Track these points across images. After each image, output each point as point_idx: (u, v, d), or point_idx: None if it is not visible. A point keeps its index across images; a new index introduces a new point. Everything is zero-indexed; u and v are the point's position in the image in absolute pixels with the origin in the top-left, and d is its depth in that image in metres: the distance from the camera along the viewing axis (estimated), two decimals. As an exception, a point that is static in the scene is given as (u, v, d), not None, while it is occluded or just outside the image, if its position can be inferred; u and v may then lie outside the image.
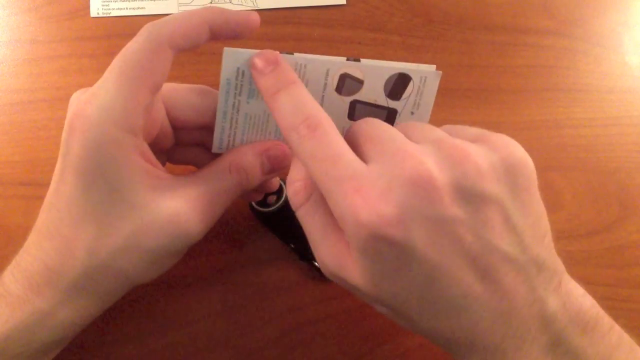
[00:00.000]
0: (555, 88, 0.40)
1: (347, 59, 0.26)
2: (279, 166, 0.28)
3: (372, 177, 0.20)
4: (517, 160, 0.21)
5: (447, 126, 0.24)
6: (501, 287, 0.21)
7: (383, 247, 0.20)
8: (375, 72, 0.26)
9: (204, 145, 0.30)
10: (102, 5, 0.42)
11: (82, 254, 0.24)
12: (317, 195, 0.24)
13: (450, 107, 0.39)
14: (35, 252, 0.24)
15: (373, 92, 0.27)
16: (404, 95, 0.27)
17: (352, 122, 0.27)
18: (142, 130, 0.24)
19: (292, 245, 0.33)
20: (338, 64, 0.26)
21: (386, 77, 0.27)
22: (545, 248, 0.22)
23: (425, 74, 0.26)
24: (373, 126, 0.23)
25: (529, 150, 0.38)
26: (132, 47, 0.24)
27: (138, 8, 0.42)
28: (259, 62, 0.24)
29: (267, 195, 0.34)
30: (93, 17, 0.41)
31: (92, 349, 0.32)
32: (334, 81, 0.27)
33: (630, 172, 0.38)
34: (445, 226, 0.20)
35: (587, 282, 0.35)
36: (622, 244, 0.36)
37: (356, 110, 0.27)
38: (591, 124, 0.39)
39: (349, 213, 0.20)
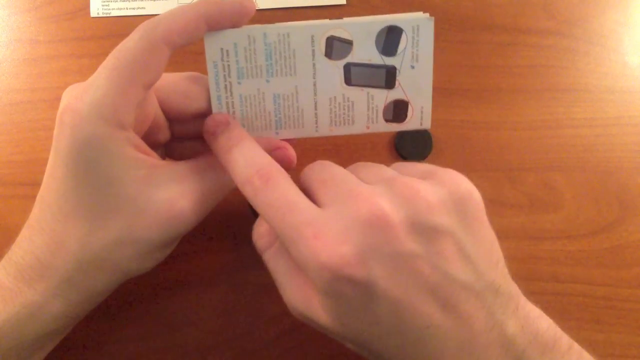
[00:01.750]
0: (555, 88, 0.40)
1: (330, 20, 0.26)
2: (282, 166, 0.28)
3: (329, 221, 0.21)
4: (463, 193, 0.22)
5: (396, 164, 0.25)
6: (461, 314, 0.21)
7: (346, 288, 0.20)
8: (361, 29, 0.25)
9: (203, 137, 0.30)
10: (102, 5, 0.42)
11: (75, 247, 0.24)
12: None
13: (450, 107, 0.39)
14: (26, 246, 0.25)
15: (365, 51, 0.26)
16: (399, 50, 0.26)
17: (350, 87, 0.27)
18: (132, 125, 0.24)
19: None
20: (321, 26, 0.25)
21: (375, 32, 0.25)
22: (499, 273, 0.23)
23: (416, 23, 0.25)
24: (324, 170, 0.24)
25: (529, 150, 0.38)
26: (127, 44, 0.24)
27: (138, 8, 0.42)
28: (210, 124, 0.26)
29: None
30: (93, 17, 0.41)
31: (92, 349, 0.32)
32: (321, 46, 0.26)
33: (630, 172, 0.38)
34: (403, 261, 0.21)
35: (587, 282, 0.35)
36: (622, 244, 0.36)
37: (352, 74, 0.26)
38: (591, 124, 0.39)
39: (309, 258, 0.20)
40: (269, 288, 0.33)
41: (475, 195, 0.23)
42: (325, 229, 0.21)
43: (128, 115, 0.24)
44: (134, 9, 0.42)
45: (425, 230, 0.21)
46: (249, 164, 0.23)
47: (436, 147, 0.38)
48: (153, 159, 0.25)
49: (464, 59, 0.41)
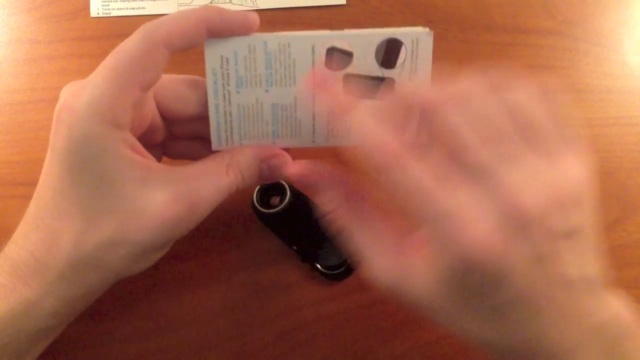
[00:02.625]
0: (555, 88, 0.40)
1: (331, 31, 0.26)
2: (278, 176, 0.28)
3: (471, 208, 0.21)
4: (584, 188, 0.23)
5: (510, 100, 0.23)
6: (569, 305, 0.22)
7: (478, 273, 0.20)
8: (362, 40, 0.25)
9: (201, 137, 0.30)
10: (102, 5, 0.42)
11: (69, 245, 0.24)
12: (362, 211, 0.25)
13: (450, 107, 0.39)
14: (22, 243, 0.25)
15: (365, 63, 0.26)
16: (399, 62, 0.26)
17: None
18: (129, 125, 0.24)
19: (295, 247, 0.33)
20: (322, 37, 0.25)
21: (375, 45, 0.26)
22: (598, 264, 0.23)
23: (416, 36, 0.25)
24: (458, 147, 0.22)
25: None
26: (127, 45, 0.24)
27: (138, 8, 0.42)
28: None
29: (270, 196, 0.34)
30: (93, 17, 0.41)
31: (92, 349, 0.32)
32: (321, 57, 0.26)
33: (630, 172, 0.38)
34: (534, 255, 0.21)
35: (587, 282, 0.35)
36: (622, 244, 0.36)
37: (351, 85, 0.27)
38: (591, 124, 0.39)
39: (452, 241, 0.20)
40: (269, 288, 0.33)
41: (591, 189, 0.23)
42: (468, 215, 0.20)
43: (125, 115, 0.24)
44: (134, 9, 0.42)
45: (558, 230, 0.21)
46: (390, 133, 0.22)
47: (436, 147, 0.38)
48: (149, 160, 0.25)
49: (464, 59, 0.41)
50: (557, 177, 0.22)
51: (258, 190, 0.34)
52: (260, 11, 0.42)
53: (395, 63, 0.26)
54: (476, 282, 0.21)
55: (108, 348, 0.32)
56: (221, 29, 0.25)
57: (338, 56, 0.26)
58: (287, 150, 0.29)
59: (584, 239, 0.22)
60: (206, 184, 0.26)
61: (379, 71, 0.26)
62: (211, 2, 0.42)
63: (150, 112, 0.27)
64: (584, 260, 0.22)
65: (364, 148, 0.22)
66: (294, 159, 0.28)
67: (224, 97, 0.27)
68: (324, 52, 0.26)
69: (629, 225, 0.36)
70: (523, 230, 0.20)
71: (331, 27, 0.42)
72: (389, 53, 0.26)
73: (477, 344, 0.24)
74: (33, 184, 0.25)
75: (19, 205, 0.26)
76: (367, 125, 0.22)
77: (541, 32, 0.42)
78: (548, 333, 0.22)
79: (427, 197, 0.21)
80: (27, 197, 0.26)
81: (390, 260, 0.23)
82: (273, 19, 0.42)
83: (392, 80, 0.26)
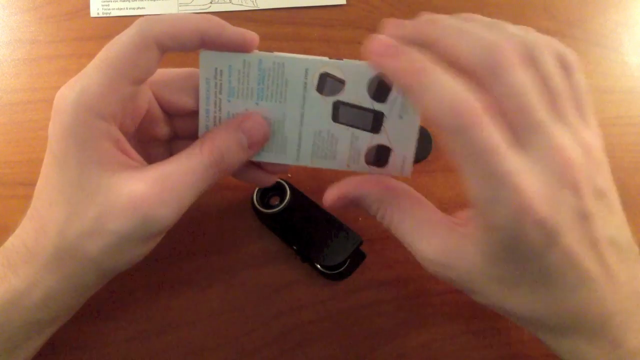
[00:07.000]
0: (555, 88, 0.40)
1: (330, 58, 0.26)
2: (257, 137, 0.27)
3: (528, 169, 0.21)
4: (603, 155, 0.24)
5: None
6: (609, 268, 0.23)
7: (533, 232, 0.21)
8: (356, 71, 0.26)
9: None
10: (102, 5, 0.42)
11: (53, 234, 0.24)
12: (402, 200, 0.26)
13: (450, 107, 0.39)
14: (18, 232, 0.25)
15: (356, 93, 0.26)
16: (390, 98, 0.26)
17: (336, 124, 0.27)
18: (117, 118, 0.25)
19: (295, 247, 0.33)
20: (317, 62, 0.26)
21: (368, 77, 0.26)
22: (628, 229, 0.25)
23: None
24: (523, 103, 0.22)
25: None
26: (121, 39, 0.24)
27: (138, 8, 0.42)
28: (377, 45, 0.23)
29: (270, 196, 0.34)
30: (93, 17, 0.41)
31: (92, 349, 0.32)
32: (314, 80, 0.26)
33: (630, 172, 0.38)
34: (584, 218, 0.22)
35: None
36: (622, 244, 0.36)
37: (340, 112, 0.27)
38: (591, 124, 0.39)
39: (512, 198, 0.21)
40: (269, 288, 0.33)
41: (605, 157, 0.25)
42: (526, 174, 0.21)
43: (111, 108, 0.24)
44: (134, 9, 0.42)
45: (599, 191, 0.23)
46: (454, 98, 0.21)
47: (436, 147, 0.38)
48: (127, 158, 0.25)
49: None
50: (585, 142, 0.23)
51: (258, 190, 0.34)
52: (260, 11, 0.42)
53: (386, 98, 0.26)
54: (530, 241, 0.21)
55: (108, 348, 0.32)
56: (217, 44, 0.25)
57: (330, 82, 0.26)
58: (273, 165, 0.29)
59: (613, 202, 0.23)
60: (179, 165, 0.25)
61: (369, 103, 0.27)
62: (211, 2, 0.42)
63: (145, 104, 0.27)
64: (617, 223, 0.24)
65: (441, 109, 0.21)
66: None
67: (215, 104, 0.27)
68: (317, 76, 0.26)
69: (629, 225, 0.36)
70: (572, 187, 0.22)
71: (331, 26, 0.42)
72: (382, 87, 0.26)
73: (522, 321, 0.25)
74: (33, 184, 0.25)
75: (19, 205, 0.26)
76: (447, 85, 0.21)
77: (541, 32, 0.42)
78: (596, 296, 0.23)
79: (497, 157, 0.21)
80: (27, 197, 0.26)
81: (442, 240, 0.24)
82: (273, 19, 0.42)
83: (381, 113, 0.27)
